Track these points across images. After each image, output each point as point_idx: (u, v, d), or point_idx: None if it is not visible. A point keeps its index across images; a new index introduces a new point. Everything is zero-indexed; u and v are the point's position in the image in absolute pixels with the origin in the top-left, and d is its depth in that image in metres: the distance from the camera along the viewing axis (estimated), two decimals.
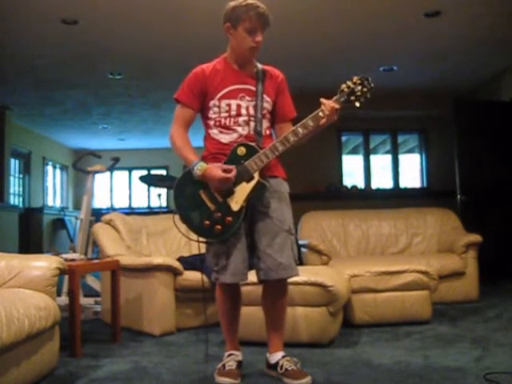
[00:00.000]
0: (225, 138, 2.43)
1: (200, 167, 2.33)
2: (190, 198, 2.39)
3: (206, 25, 4.72)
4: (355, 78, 2.35)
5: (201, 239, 2.45)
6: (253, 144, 2.39)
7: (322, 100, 2.33)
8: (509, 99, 6.25)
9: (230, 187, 2.33)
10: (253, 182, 2.35)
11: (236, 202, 2.34)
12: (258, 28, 2.37)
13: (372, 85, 2.35)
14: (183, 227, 2.43)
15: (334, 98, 2.34)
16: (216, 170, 2.31)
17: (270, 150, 2.34)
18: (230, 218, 2.33)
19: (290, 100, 2.60)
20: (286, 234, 2.41)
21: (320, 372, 2.54)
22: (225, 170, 2.30)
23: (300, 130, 2.33)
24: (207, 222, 2.34)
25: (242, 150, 2.36)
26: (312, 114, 2.34)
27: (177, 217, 2.40)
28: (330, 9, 4.66)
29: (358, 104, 2.35)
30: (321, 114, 2.32)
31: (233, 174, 2.30)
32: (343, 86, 2.35)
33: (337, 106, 2.31)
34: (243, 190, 2.35)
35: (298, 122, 2.37)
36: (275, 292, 2.48)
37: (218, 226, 2.33)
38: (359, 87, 2.33)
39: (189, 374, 2.57)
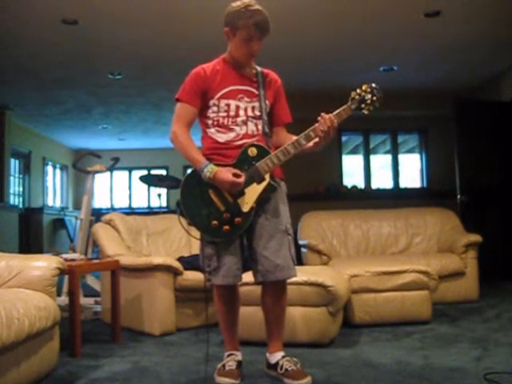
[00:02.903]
0: (222, 137, 2.42)
1: (211, 169, 2.29)
2: (199, 197, 2.35)
3: (206, 25, 4.73)
4: (364, 86, 2.36)
5: (200, 237, 2.44)
6: (264, 145, 2.39)
7: (322, 115, 2.31)
8: (509, 99, 6.25)
9: (240, 190, 2.32)
10: (264, 184, 2.35)
11: (246, 203, 2.33)
12: (254, 37, 2.35)
13: (381, 94, 2.36)
14: (185, 224, 2.42)
15: (345, 105, 2.34)
16: (226, 173, 2.29)
17: (282, 152, 2.34)
18: (239, 219, 2.32)
19: (286, 105, 2.60)
20: (283, 235, 2.40)
21: (320, 372, 2.54)
22: (235, 174, 2.29)
23: (312, 133, 2.33)
24: (215, 222, 2.32)
25: (253, 151, 2.35)
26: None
27: (181, 215, 2.38)
28: (330, 9, 4.66)
29: (366, 112, 2.36)
30: (312, 133, 2.32)
31: (242, 180, 2.30)
32: (353, 93, 2.35)
33: (335, 124, 2.30)
34: (254, 192, 2.34)
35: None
36: (274, 293, 2.47)
37: (226, 227, 2.32)
38: (369, 95, 2.35)
39: (189, 374, 2.57)
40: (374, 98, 2.35)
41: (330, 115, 2.32)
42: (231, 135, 2.42)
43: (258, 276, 2.42)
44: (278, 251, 2.36)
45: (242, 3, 2.35)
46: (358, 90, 2.36)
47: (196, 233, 2.46)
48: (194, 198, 2.36)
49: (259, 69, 2.53)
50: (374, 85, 2.36)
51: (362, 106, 2.35)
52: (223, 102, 2.42)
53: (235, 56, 2.45)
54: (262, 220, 2.39)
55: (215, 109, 2.43)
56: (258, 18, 2.32)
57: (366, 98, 2.35)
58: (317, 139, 2.35)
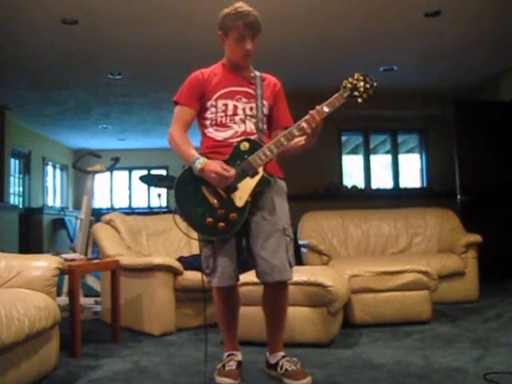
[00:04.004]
0: (220, 136, 2.43)
1: (202, 161, 2.30)
2: (192, 194, 2.35)
3: (206, 25, 4.71)
4: (356, 75, 2.36)
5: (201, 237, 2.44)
6: (256, 139, 2.39)
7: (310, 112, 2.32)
8: (509, 99, 6.25)
9: (230, 184, 2.31)
10: (257, 177, 2.34)
11: (240, 198, 2.32)
12: (246, 37, 2.38)
13: (374, 82, 2.36)
14: (184, 225, 2.42)
15: (337, 93, 2.34)
16: (215, 164, 2.29)
17: (275, 144, 2.33)
18: (234, 215, 2.31)
19: (286, 109, 2.60)
20: (280, 235, 2.38)
21: (320, 372, 2.54)
22: (224, 169, 2.29)
23: (304, 124, 2.32)
24: (210, 220, 2.31)
25: (245, 146, 2.35)
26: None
27: (177, 215, 2.37)
28: (330, 9, 4.66)
29: (360, 100, 2.35)
30: (304, 124, 2.31)
31: (231, 174, 2.29)
32: (345, 82, 2.36)
33: (321, 117, 2.30)
34: (247, 186, 2.33)
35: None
36: (274, 293, 2.46)
37: (222, 223, 2.30)
38: (361, 83, 2.34)
39: (189, 374, 2.57)
40: (367, 86, 2.35)
41: (317, 110, 2.30)
42: (229, 133, 2.42)
43: (259, 277, 2.42)
44: (275, 251, 2.35)
45: (233, 7, 2.40)
46: (350, 79, 2.36)
47: (195, 234, 2.46)
48: (188, 196, 2.36)
49: (258, 73, 2.54)
50: (365, 73, 2.36)
51: (355, 93, 2.34)
52: (221, 103, 2.43)
53: (232, 59, 2.47)
54: (259, 219, 2.38)
55: (213, 109, 2.44)
56: (248, 18, 2.36)
57: (359, 85, 2.34)
58: (305, 136, 2.36)
